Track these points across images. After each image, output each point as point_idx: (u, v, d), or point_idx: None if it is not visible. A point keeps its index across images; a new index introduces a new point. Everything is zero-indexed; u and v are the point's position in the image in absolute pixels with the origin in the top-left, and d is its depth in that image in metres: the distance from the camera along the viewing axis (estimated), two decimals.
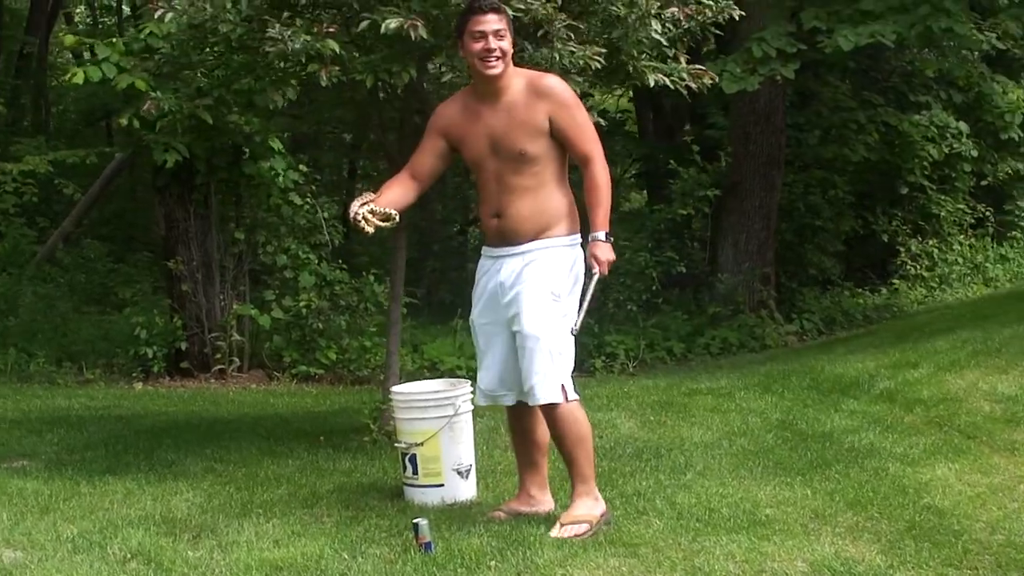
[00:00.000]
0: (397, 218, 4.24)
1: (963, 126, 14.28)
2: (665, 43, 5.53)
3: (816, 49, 10.01)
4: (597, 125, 4.73)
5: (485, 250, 4.48)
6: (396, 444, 4.97)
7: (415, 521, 4.10)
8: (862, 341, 10.21)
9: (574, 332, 4.24)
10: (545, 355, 4.21)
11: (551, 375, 4.21)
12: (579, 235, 4.37)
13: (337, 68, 5.08)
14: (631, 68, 5.60)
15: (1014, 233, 15.51)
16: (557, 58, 5.18)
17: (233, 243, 10.10)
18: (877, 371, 7.58)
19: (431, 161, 4.48)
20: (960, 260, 14.53)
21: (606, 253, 4.27)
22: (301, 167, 10.51)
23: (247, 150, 9.83)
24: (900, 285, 13.97)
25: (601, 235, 4.26)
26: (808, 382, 7.57)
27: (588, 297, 4.26)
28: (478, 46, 4.22)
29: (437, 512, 4.61)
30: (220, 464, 5.80)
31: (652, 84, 5.55)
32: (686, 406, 7.02)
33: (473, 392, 4.78)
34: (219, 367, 9.82)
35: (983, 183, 15.20)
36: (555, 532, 4.17)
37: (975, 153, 14.39)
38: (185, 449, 6.23)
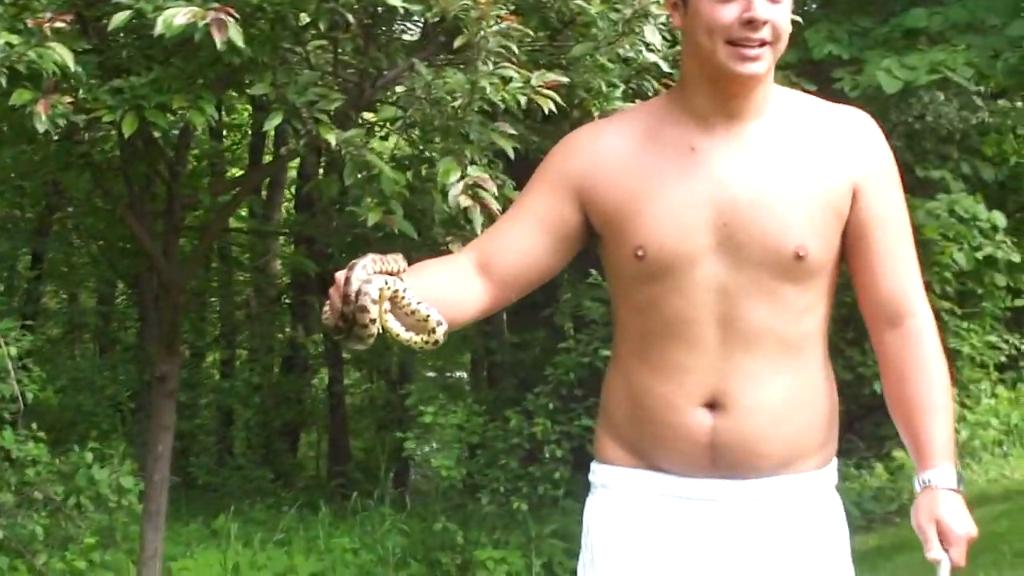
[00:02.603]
0: (439, 334, 2.57)
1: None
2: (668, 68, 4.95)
3: (833, 88, 9.39)
4: None
5: (638, 475, 2.86)
6: None
7: None
8: None
9: None
10: None
11: None
12: None
13: (68, 100, 4.50)
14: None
15: None
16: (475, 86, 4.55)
17: None
18: None
19: (535, 242, 2.81)
20: None
21: (964, 521, 2.76)
22: None
23: None
24: None
25: (951, 477, 2.77)
26: None
27: None
28: (730, 12, 2.70)
29: None
30: None
31: None
32: None
33: None
34: None
35: None
36: None
37: None
38: None
